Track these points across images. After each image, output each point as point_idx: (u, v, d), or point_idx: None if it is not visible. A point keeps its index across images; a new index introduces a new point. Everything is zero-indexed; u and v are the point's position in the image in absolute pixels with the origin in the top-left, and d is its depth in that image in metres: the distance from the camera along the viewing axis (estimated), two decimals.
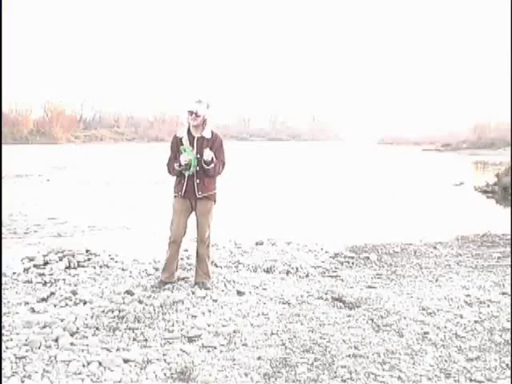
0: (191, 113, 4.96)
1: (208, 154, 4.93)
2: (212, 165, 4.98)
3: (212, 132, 5.12)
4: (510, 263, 6.32)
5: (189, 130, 5.08)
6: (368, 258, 6.80)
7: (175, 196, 5.15)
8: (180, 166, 4.94)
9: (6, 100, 64.41)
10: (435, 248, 7.46)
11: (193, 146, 5.01)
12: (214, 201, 5.22)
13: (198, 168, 4.99)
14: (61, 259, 6.51)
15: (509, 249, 7.16)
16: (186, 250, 7.32)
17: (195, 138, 5.04)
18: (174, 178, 5.19)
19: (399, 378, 3.32)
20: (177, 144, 5.09)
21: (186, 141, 5.03)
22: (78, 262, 6.40)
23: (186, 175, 5.00)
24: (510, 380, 3.29)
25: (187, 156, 4.92)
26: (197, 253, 5.30)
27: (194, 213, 5.23)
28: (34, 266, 6.30)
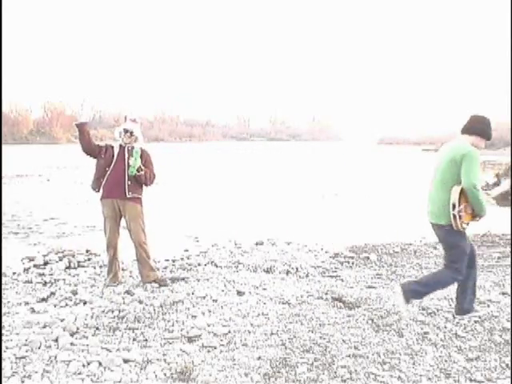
0: (126, 131, 5.28)
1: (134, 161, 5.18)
2: (142, 172, 5.21)
3: (141, 148, 5.34)
4: (510, 263, 6.31)
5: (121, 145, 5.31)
6: (368, 257, 6.80)
7: (102, 199, 5.29)
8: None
9: (6, 100, 64.52)
10: (435, 248, 7.45)
11: (123, 153, 5.27)
12: (141, 205, 5.37)
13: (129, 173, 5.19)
14: (61, 259, 6.52)
15: (509, 249, 7.15)
16: (186, 250, 7.33)
17: (125, 148, 5.29)
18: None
19: (399, 378, 3.32)
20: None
21: (116, 149, 5.29)
22: (78, 262, 6.41)
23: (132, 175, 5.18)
24: (510, 380, 3.29)
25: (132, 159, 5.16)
26: (137, 257, 5.36)
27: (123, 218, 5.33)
28: (34, 265, 6.30)
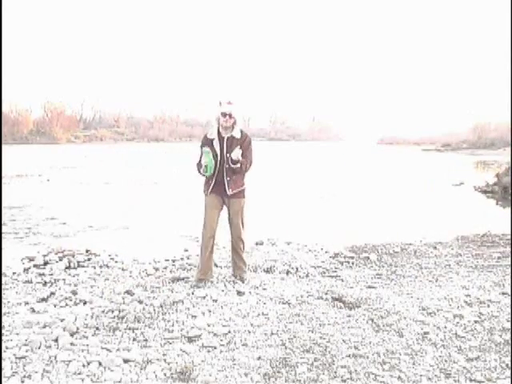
0: (225, 114, 5.08)
1: (236, 154, 5.06)
2: (238, 164, 5.11)
3: (241, 131, 5.24)
4: (509, 263, 6.31)
5: (218, 131, 5.18)
6: (368, 258, 6.79)
7: (206, 194, 5.30)
8: (201, 167, 5.08)
9: (6, 100, 64.47)
10: (435, 248, 7.45)
11: (222, 147, 5.13)
12: (244, 196, 5.36)
13: (226, 166, 5.13)
14: (61, 259, 6.52)
15: (509, 249, 7.15)
16: (186, 250, 7.33)
17: (225, 138, 5.16)
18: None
19: (399, 377, 3.32)
20: (208, 145, 5.16)
21: (216, 142, 5.14)
22: (78, 262, 6.41)
23: (207, 175, 5.14)
24: (510, 380, 3.29)
25: (205, 158, 5.05)
26: (233, 248, 5.44)
27: (226, 210, 5.39)
28: (34, 265, 6.30)
